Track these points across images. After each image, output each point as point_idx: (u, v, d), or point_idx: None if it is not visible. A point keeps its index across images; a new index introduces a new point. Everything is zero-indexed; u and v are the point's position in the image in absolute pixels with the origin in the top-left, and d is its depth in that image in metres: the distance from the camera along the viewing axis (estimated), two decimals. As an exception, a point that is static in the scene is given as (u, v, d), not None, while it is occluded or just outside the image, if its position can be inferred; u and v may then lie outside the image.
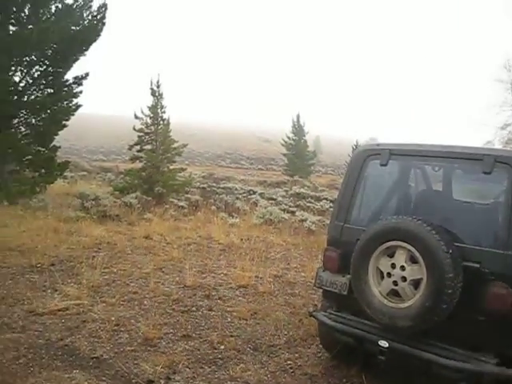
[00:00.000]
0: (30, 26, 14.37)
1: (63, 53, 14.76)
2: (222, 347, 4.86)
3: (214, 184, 24.81)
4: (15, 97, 14.51)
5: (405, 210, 4.27)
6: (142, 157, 18.25)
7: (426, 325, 3.43)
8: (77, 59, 15.57)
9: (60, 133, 15.94)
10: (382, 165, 4.18)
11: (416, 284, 3.47)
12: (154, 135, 18.30)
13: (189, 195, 17.70)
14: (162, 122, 18.35)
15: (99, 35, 15.48)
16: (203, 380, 4.21)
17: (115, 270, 7.36)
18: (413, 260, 3.49)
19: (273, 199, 19.82)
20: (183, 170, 19.74)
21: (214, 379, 4.24)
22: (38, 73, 14.98)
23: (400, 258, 3.55)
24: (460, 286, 3.36)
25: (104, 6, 15.32)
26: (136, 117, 18.30)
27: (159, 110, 18.31)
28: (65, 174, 17.87)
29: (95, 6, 15.27)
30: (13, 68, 14.52)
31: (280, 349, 4.95)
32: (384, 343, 3.61)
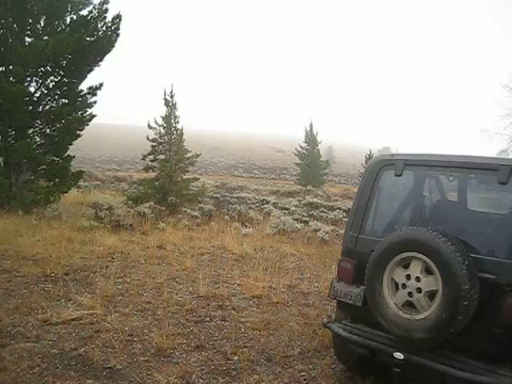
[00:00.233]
0: (46, 37, 14.54)
1: (78, 63, 14.93)
2: (236, 358, 4.85)
3: (227, 193, 24.77)
4: (30, 107, 14.69)
5: (420, 221, 4.25)
6: (155, 166, 18.26)
7: (442, 337, 3.40)
8: (91, 70, 15.75)
9: (74, 142, 16.09)
10: (396, 175, 4.16)
11: (431, 295, 3.44)
12: (168, 145, 18.31)
13: (202, 205, 17.66)
14: (175, 132, 18.36)
15: (113, 46, 15.64)
16: (217, 391, 4.20)
17: (128, 280, 7.38)
18: (428, 271, 3.46)
19: (286, 209, 19.74)
20: (196, 179, 19.71)
21: (228, 390, 4.23)
22: (53, 83, 15.19)
23: (415, 269, 3.52)
24: (476, 297, 3.32)
25: (118, 17, 15.47)
26: (149, 127, 18.35)
27: (173, 120, 18.32)
28: (79, 183, 17.98)
29: (110, 17, 15.44)
30: (28, 78, 14.72)
31: (294, 360, 4.93)
32: (399, 355, 3.57)
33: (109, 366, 4.46)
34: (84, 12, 15.36)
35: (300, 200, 24.63)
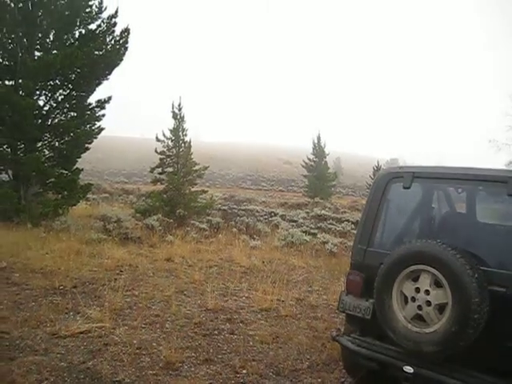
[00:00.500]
0: (55, 51, 14.67)
1: (86, 77, 15.06)
2: (245, 371, 4.83)
3: (235, 206, 24.82)
4: (39, 120, 14.82)
5: (428, 233, 4.23)
6: (163, 179, 18.32)
7: (452, 350, 3.37)
8: (100, 83, 15.88)
9: (82, 155, 16.18)
10: (405, 187, 4.15)
11: (441, 308, 3.42)
12: (176, 158, 18.37)
13: (210, 217, 17.66)
14: (183, 145, 18.44)
15: (122, 59, 15.78)
16: (225, 405, 4.18)
17: (137, 293, 7.37)
18: (437, 284, 3.44)
19: (294, 221, 19.75)
20: (204, 192, 19.75)
21: (237, 404, 4.21)
22: (62, 97, 15.31)
23: (424, 282, 3.50)
24: (486, 310, 3.30)
25: (126, 31, 15.62)
26: (158, 139, 18.42)
27: (181, 133, 18.40)
28: (87, 196, 18.04)
29: (118, 30, 15.57)
30: (37, 92, 14.84)
31: (303, 373, 4.90)
32: (409, 369, 3.55)
33: (117, 379, 4.45)
34: (93, 26, 15.54)
35: (308, 212, 24.63)
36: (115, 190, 36.05)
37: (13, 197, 13.64)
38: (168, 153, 18.52)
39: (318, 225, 18.84)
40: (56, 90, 15.11)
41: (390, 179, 4.29)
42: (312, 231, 16.12)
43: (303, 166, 52.74)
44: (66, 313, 6.23)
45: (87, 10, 15.26)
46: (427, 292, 3.47)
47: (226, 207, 23.19)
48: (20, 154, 14.56)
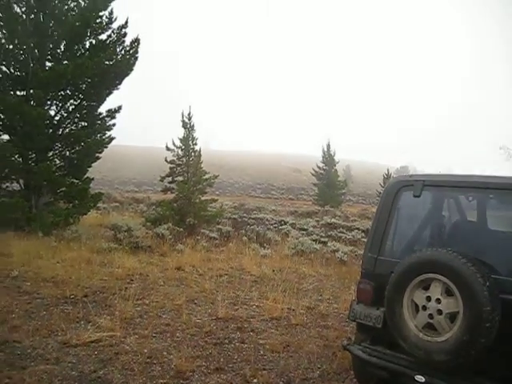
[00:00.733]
0: (66, 62, 14.78)
1: (97, 87, 15.17)
2: (255, 381, 4.81)
3: (245, 214, 24.81)
4: (50, 130, 14.93)
5: (439, 242, 4.23)
6: (173, 188, 18.35)
7: (464, 359, 3.35)
8: (110, 93, 15.99)
9: (93, 164, 16.27)
10: (415, 196, 4.14)
11: (452, 317, 3.40)
12: (186, 167, 18.39)
13: (220, 226, 17.67)
14: (193, 154, 18.47)
15: (132, 69, 15.89)
16: (236, 414, 4.17)
17: (147, 302, 7.38)
18: (449, 293, 3.43)
19: (304, 229, 19.72)
20: (214, 200, 19.77)
21: (247, 413, 4.20)
22: (73, 106, 15.44)
23: (435, 291, 3.49)
24: (498, 319, 3.28)
25: (137, 41, 15.73)
26: (168, 148, 18.45)
27: (190, 142, 18.42)
28: (98, 205, 18.11)
29: (128, 40, 15.68)
30: (48, 102, 14.96)
31: (313, 382, 4.88)
32: (420, 378, 3.53)
33: (128, 388, 4.46)
34: (103, 36, 15.64)
35: (318, 220, 24.62)
36: (125, 198, 36.17)
37: (24, 206, 13.72)
38: (178, 162, 18.56)
39: (328, 233, 18.81)
40: (67, 99, 15.23)
41: (401, 187, 4.29)
42: (322, 239, 16.10)
43: (313, 174, 52.77)
44: (77, 322, 6.25)
45: (98, 21, 15.34)
46: (438, 301, 3.46)
47: (235, 216, 23.18)
48: (31, 163, 14.66)
